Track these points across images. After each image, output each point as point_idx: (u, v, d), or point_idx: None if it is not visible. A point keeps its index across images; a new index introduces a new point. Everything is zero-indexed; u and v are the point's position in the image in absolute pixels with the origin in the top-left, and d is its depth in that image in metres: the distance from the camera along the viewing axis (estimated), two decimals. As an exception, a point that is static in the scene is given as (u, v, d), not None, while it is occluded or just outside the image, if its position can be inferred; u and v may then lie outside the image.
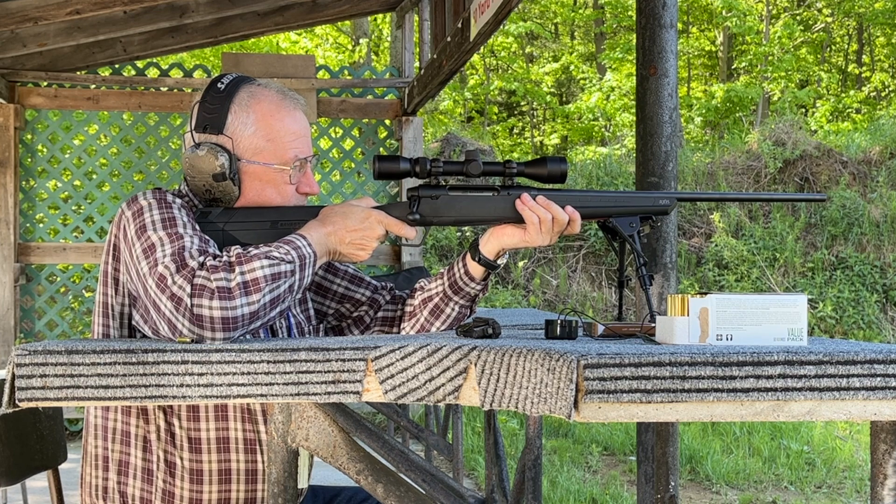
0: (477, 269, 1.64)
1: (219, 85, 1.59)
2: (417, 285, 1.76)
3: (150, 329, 1.47)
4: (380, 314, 1.77)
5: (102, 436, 1.56)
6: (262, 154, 1.58)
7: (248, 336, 1.41)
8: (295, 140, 1.61)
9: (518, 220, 1.57)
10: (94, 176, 6.29)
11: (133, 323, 1.52)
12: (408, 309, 1.75)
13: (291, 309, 1.69)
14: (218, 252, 1.43)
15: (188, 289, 1.31)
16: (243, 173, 1.58)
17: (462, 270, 1.65)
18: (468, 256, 1.64)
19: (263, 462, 1.55)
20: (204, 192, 1.57)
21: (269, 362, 1.16)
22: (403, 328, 1.74)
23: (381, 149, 6.60)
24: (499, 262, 1.63)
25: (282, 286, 1.38)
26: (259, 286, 1.34)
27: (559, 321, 1.35)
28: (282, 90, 1.63)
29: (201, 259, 1.36)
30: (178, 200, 1.52)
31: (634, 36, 3.48)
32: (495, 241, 1.61)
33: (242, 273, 1.34)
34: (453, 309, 1.68)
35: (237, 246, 1.41)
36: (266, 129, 1.58)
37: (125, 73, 6.42)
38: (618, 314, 1.61)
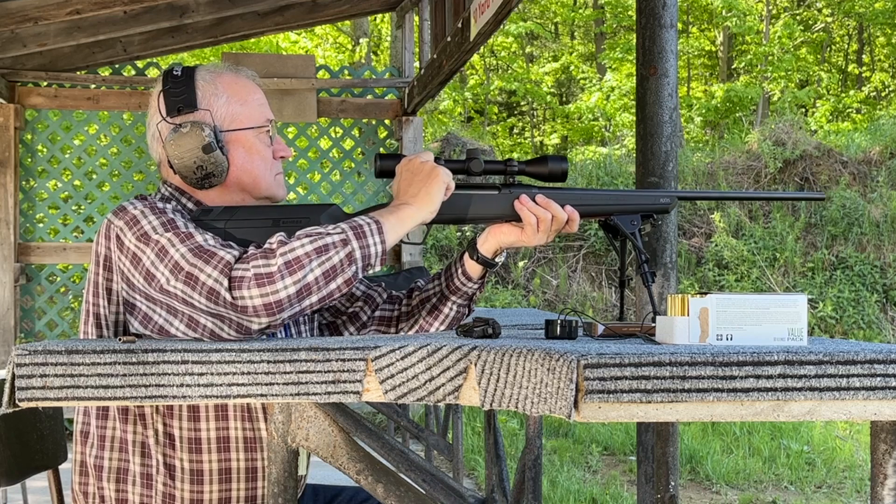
0: (475, 268, 1.64)
1: (174, 72, 1.63)
2: (414, 286, 1.76)
3: (155, 331, 1.46)
4: (377, 313, 1.77)
5: (99, 445, 1.55)
6: (240, 118, 1.61)
7: (297, 320, 1.41)
8: (262, 105, 1.66)
9: (520, 218, 1.58)
10: (94, 176, 6.29)
11: (133, 331, 1.51)
12: (405, 309, 1.75)
13: None
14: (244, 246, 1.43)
15: (225, 283, 1.32)
16: (227, 143, 1.60)
17: (459, 270, 1.65)
18: (466, 256, 1.65)
19: (263, 459, 1.55)
20: (196, 170, 1.56)
21: (269, 362, 1.16)
22: (401, 329, 1.74)
23: (381, 149, 6.60)
24: (496, 260, 1.64)
25: (333, 257, 1.35)
26: (301, 262, 1.33)
27: (559, 321, 1.35)
28: (233, 67, 1.68)
29: (236, 253, 1.37)
30: (169, 206, 1.52)
31: (634, 36, 3.48)
32: (493, 239, 1.62)
33: (284, 254, 1.33)
34: (451, 308, 1.68)
35: (281, 233, 1.40)
36: (236, 95, 1.62)
37: (125, 73, 6.42)
38: (619, 313, 1.61)
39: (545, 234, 1.57)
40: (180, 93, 1.59)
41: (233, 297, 1.32)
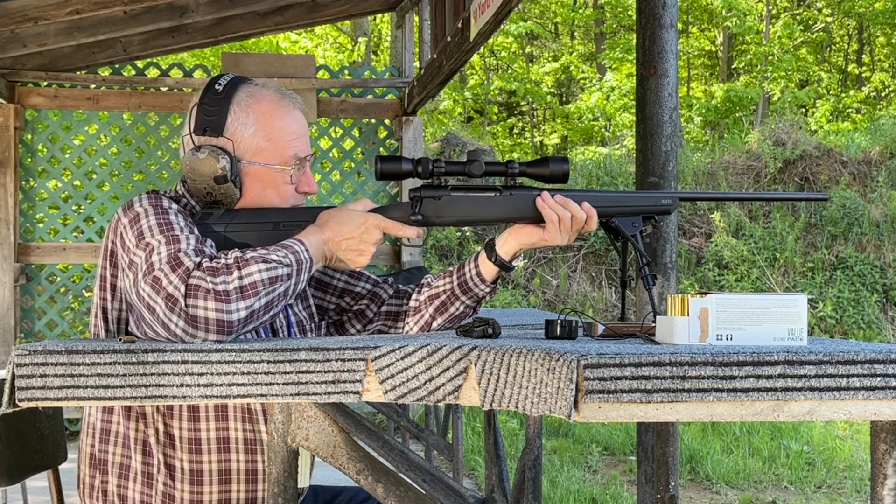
0: (490, 270, 1.63)
1: (216, 86, 1.59)
2: (424, 281, 1.75)
3: (142, 334, 1.47)
4: (384, 308, 1.77)
5: (103, 438, 1.56)
6: (263, 154, 1.58)
7: (246, 335, 1.41)
8: (294, 139, 1.61)
9: (521, 219, 1.58)
10: (94, 176, 6.29)
11: (129, 329, 1.52)
12: (413, 304, 1.74)
13: (293, 307, 1.69)
14: (215, 253, 1.43)
15: (182, 289, 1.31)
16: (244, 174, 1.58)
17: (474, 271, 1.64)
18: (482, 256, 1.63)
19: (264, 462, 1.55)
20: (205, 195, 1.56)
21: (269, 362, 1.16)
22: (407, 323, 1.74)
23: (381, 149, 6.60)
24: (514, 263, 1.62)
25: (277, 290, 1.38)
26: (256, 289, 1.34)
27: (559, 321, 1.35)
28: (280, 90, 1.63)
29: (197, 259, 1.36)
30: (175, 205, 1.52)
31: (634, 36, 3.48)
32: (513, 241, 1.60)
33: (241, 277, 1.33)
34: (458, 308, 1.68)
35: (235, 249, 1.41)
36: (266, 129, 1.58)
37: (125, 73, 6.42)
38: (620, 314, 1.61)
39: (567, 233, 1.56)
40: (212, 113, 1.56)
41: (186, 304, 1.30)
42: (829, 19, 16.84)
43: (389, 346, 1.16)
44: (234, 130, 1.57)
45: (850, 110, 15.61)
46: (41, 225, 6.31)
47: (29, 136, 6.17)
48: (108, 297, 1.53)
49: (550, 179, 1.59)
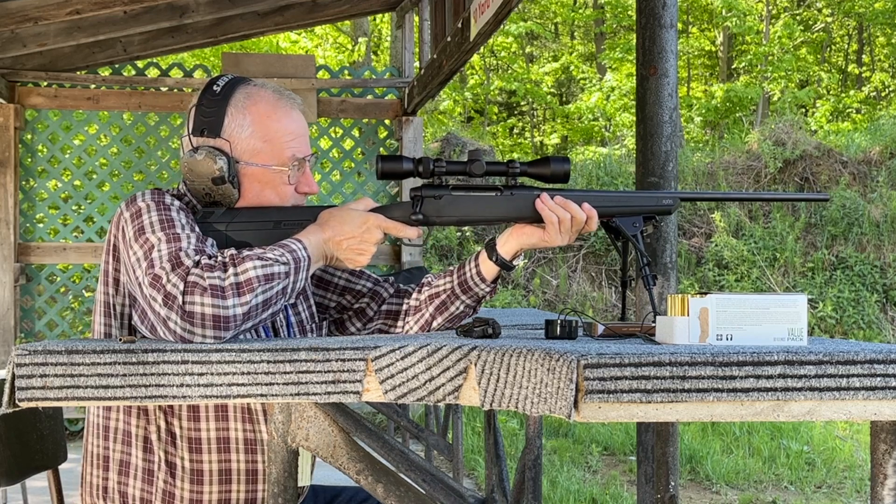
0: (491, 270, 1.63)
1: (214, 87, 1.59)
2: (424, 280, 1.76)
3: (148, 329, 1.47)
4: (384, 307, 1.77)
5: (104, 435, 1.56)
6: (260, 155, 1.58)
7: (247, 335, 1.41)
8: (292, 140, 1.61)
9: (522, 219, 1.58)
10: (94, 176, 6.29)
11: (132, 323, 1.53)
12: (413, 303, 1.75)
13: (295, 306, 1.69)
14: (215, 252, 1.43)
15: (181, 286, 1.31)
16: (242, 175, 1.58)
17: (474, 270, 1.64)
18: (482, 256, 1.63)
19: (264, 462, 1.55)
20: (203, 196, 1.57)
21: (269, 362, 1.16)
22: (407, 322, 1.75)
23: (381, 149, 6.60)
24: (514, 262, 1.63)
25: (275, 287, 1.38)
26: (252, 286, 1.34)
27: (559, 321, 1.35)
28: (278, 90, 1.63)
29: (197, 258, 1.36)
30: (177, 202, 1.52)
31: (634, 36, 3.48)
32: (514, 241, 1.60)
33: (236, 274, 1.34)
34: (458, 307, 1.68)
35: (231, 248, 1.42)
36: (263, 130, 1.59)
37: (125, 73, 6.42)
38: (621, 314, 1.61)
39: (567, 233, 1.56)
40: (209, 114, 1.57)
41: (184, 301, 1.30)
42: (829, 19, 16.84)
43: (389, 346, 1.16)
44: (232, 132, 1.57)
45: (850, 110, 15.62)
46: (41, 225, 6.31)
47: (29, 136, 6.17)
48: (112, 291, 1.54)
49: (551, 179, 1.59)
